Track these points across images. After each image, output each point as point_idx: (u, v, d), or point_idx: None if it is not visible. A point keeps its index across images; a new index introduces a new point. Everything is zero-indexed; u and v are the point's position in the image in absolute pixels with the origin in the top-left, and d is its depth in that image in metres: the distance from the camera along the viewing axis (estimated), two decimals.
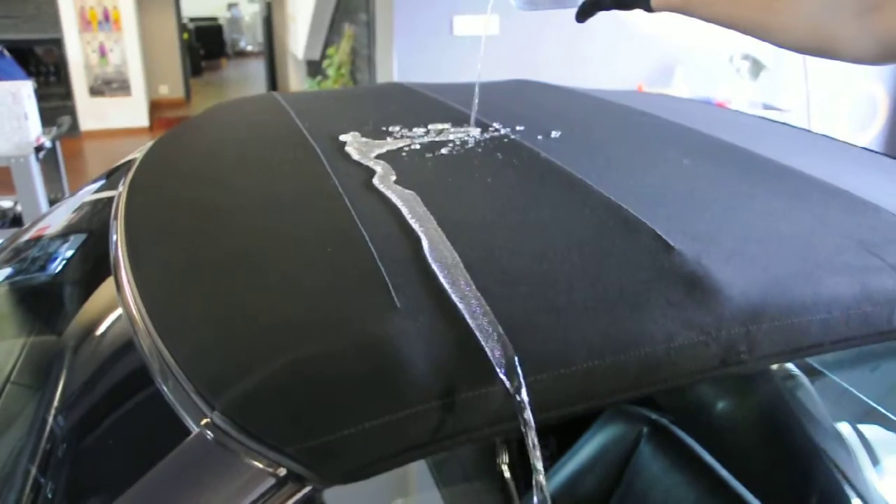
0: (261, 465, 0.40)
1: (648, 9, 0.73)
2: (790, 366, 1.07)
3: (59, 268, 0.84)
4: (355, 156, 0.76)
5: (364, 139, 0.82)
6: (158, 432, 0.49)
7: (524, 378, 0.41)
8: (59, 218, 1.00)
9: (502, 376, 0.41)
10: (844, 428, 0.96)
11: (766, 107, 3.43)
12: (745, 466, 0.87)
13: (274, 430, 0.41)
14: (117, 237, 0.65)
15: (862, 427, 0.95)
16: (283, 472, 0.40)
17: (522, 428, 0.41)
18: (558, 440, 1.05)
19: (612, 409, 0.96)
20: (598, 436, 0.93)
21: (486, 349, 0.42)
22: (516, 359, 0.42)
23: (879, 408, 0.99)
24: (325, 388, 0.42)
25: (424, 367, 0.42)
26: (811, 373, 1.09)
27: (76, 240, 0.91)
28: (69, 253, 0.87)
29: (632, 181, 0.71)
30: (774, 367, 1.08)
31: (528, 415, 0.40)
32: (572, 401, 0.45)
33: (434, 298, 0.47)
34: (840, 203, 0.67)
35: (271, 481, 0.40)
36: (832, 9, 0.62)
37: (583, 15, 0.78)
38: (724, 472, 0.84)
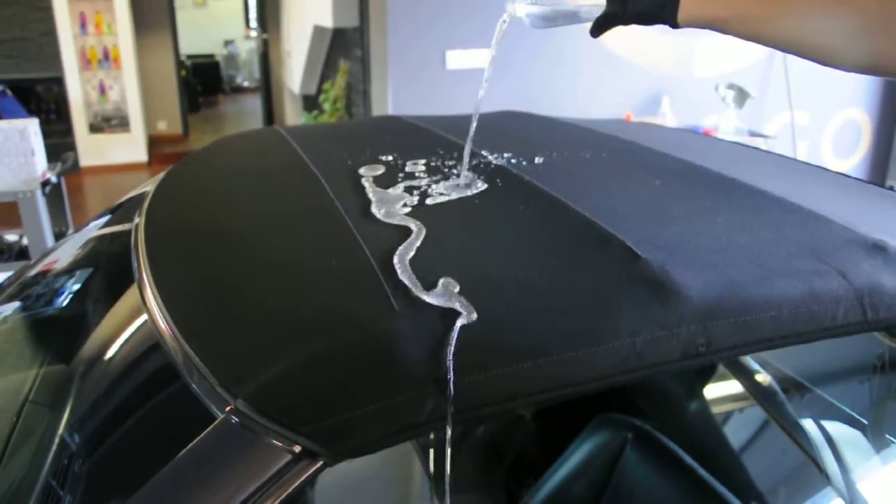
0: (279, 444, 0.47)
1: (674, 24, 0.68)
2: (765, 379, 1.14)
3: (75, 298, 0.90)
4: (367, 186, 0.85)
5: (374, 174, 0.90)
6: (185, 424, 0.55)
7: (501, 368, 0.48)
8: (69, 251, 1.06)
9: (481, 362, 0.48)
10: (810, 425, 1.02)
11: (752, 134, 3.54)
12: (721, 466, 0.93)
13: (290, 412, 0.47)
14: (140, 261, 0.72)
15: (827, 424, 1.01)
16: (298, 449, 0.47)
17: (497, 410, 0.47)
18: (549, 448, 1.10)
19: (599, 417, 1.01)
20: (586, 443, 0.99)
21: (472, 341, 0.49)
22: (496, 352, 0.48)
23: (844, 407, 1.05)
24: (334, 377, 0.49)
25: (419, 358, 0.49)
26: (798, 388, 1.16)
27: (90, 272, 0.98)
28: (82, 284, 0.94)
29: (607, 200, 0.78)
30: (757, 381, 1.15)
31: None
32: (552, 387, 0.51)
33: (425, 302, 0.54)
34: (796, 217, 0.74)
35: (288, 457, 0.47)
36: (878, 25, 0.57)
37: (598, 30, 0.74)
38: (703, 473, 0.90)
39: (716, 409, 1.28)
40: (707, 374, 1.22)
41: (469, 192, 0.79)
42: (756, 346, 0.60)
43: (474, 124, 0.82)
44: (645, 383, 1.25)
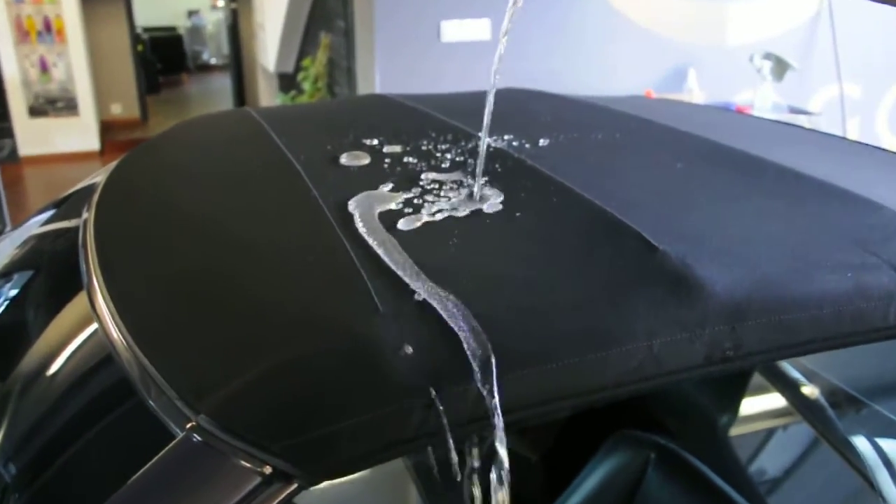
0: (247, 465, 0.47)
1: None
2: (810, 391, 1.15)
3: (11, 306, 0.91)
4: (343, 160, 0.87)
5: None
6: (140, 446, 0.56)
7: (498, 375, 0.49)
8: (5, 252, 1.06)
9: (476, 370, 0.49)
10: (864, 443, 1.03)
11: (794, 110, 3.54)
12: (759, 490, 0.93)
13: (259, 428, 0.48)
14: (89, 262, 0.73)
15: (883, 442, 1.02)
16: (269, 470, 0.47)
17: (494, 422, 0.48)
18: (563, 468, 1.11)
19: (617, 435, 1.02)
20: (603, 463, 0.99)
21: (465, 347, 0.50)
22: (492, 357, 0.49)
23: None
24: (309, 387, 0.50)
25: (405, 365, 0.50)
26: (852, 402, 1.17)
27: (29, 275, 0.98)
28: (20, 289, 0.94)
29: (620, 186, 0.79)
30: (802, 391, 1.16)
31: (498, 413, 0.47)
32: (555, 397, 0.52)
33: (413, 301, 0.55)
34: (841, 203, 0.75)
35: (258, 479, 0.47)
36: None
37: None
38: (737, 497, 0.90)
39: (753, 426, 1.29)
40: (741, 385, 1.23)
41: (480, 206, 0.72)
42: (793, 349, 0.61)
43: (488, 119, 0.75)
44: (668, 395, 1.26)
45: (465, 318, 0.52)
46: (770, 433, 1.35)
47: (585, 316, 0.56)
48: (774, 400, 1.29)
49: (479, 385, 0.48)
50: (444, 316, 0.53)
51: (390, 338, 0.52)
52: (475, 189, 0.76)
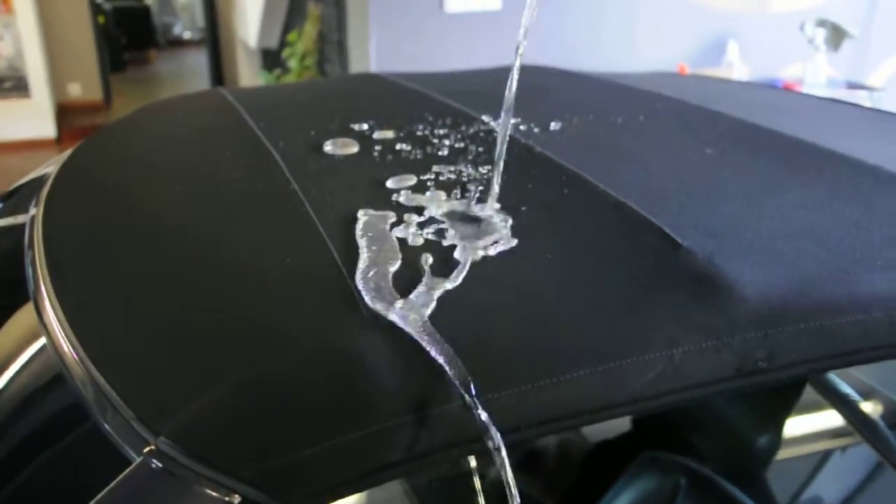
0: (213, 493, 0.48)
1: None
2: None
3: None
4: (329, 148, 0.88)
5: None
6: (94, 473, 0.57)
7: (479, 392, 0.49)
8: None
9: (459, 387, 0.49)
10: None
11: (852, 85, 3.52)
12: None
13: (227, 452, 0.49)
14: (37, 265, 0.74)
15: None
16: (237, 499, 0.48)
17: (490, 445, 0.48)
18: (582, 494, 1.12)
19: (643, 457, 1.03)
20: (628, 489, 1.00)
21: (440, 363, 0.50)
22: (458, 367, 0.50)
23: None
24: (283, 405, 0.50)
25: (392, 379, 0.50)
26: None
27: None
28: None
29: (640, 175, 0.80)
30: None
31: (494, 433, 0.48)
32: (566, 414, 0.53)
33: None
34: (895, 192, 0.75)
35: None
36: None
37: None
38: None
39: (801, 449, 1.28)
40: (785, 401, 1.23)
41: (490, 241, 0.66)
42: (837, 360, 0.61)
43: (508, 117, 0.72)
44: (698, 413, 1.26)
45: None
46: (826, 456, 1.35)
47: (595, 322, 0.56)
48: (831, 418, 1.29)
49: (469, 401, 0.49)
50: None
51: (375, 347, 0.52)
52: (490, 208, 0.72)
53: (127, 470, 0.50)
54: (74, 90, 7.04)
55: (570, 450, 1.23)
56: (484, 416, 0.48)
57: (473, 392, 0.49)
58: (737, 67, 3.48)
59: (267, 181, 0.81)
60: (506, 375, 0.52)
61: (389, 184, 0.78)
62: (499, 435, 0.48)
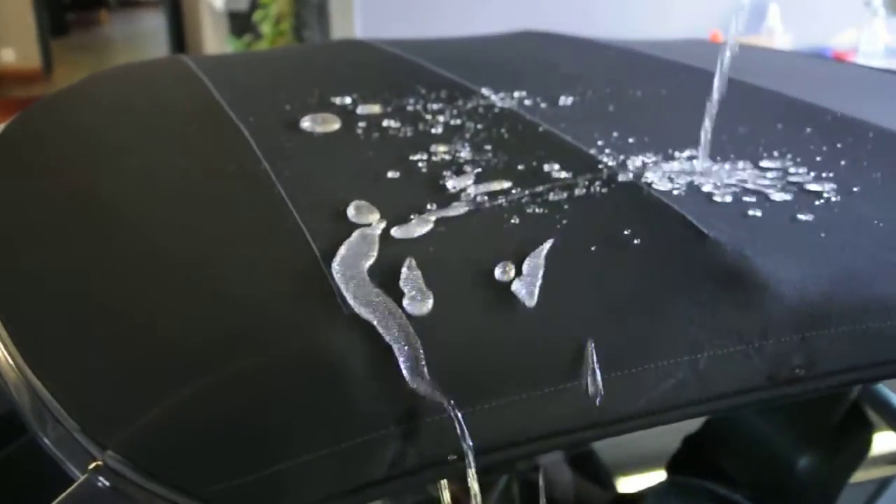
0: None
1: None
2: None
3: None
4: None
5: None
6: (33, 489, 0.57)
7: (468, 402, 0.50)
8: None
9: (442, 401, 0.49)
10: None
11: None
12: None
13: (184, 468, 0.49)
14: None
15: None
16: None
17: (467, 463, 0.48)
18: None
19: (665, 482, 1.03)
20: None
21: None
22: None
23: None
24: (249, 415, 0.51)
25: (376, 384, 0.51)
26: None
27: None
28: None
29: (662, 156, 0.80)
30: None
31: (469, 447, 0.48)
32: (567, 429, 0.53)
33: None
34: None
35: None
36: None
37: None
38: None
39: (855, 475, 1.28)
40: (830, 414, 1.22)
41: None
42: (887, 368, 0.61)
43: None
44: (727, 429, 1.26)
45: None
46: (883, 485, 1.34)
47: (605, 322, 0.57)
48: (888, 440, 1.29)
49: (453, 415, 0.49)
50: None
51: (358, 347, 0.52)
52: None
53: (69, 489, 0.50)
54: (7, 56, 6.89)
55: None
56: (464, 428, 0.48)
57: (450, 404, 0.49)
58: (778, 35, 3.47)
59: (235, 162, 0.81)
60: (497, 384, 0.52)
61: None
62: (471, 453, 0.48)
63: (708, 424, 1.27)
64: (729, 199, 0.71)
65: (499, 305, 0.57)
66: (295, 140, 0.87)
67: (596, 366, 0.53)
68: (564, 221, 0.67)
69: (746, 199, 0.71)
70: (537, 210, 0.69)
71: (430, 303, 0.55)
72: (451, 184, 0.75)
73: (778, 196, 0.72)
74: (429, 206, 0.70)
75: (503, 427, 0.52)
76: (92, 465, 0.50)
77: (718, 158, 0.80)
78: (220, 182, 0.79)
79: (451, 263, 0.62)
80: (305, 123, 0.91)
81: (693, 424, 1.29)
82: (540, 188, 0.73)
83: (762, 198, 0.72)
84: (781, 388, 0.58)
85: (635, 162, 0.78)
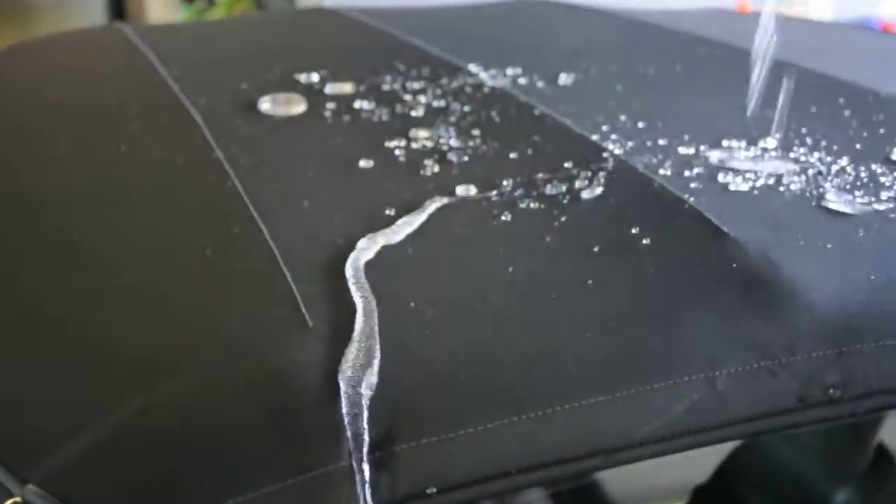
0: None
1: None
2: None
3: None
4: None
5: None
6: None
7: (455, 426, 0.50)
8: None
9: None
10: None
11: None
12: None
13: (112, 502, 0.48)
14: None
15: None
16: None
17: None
18: None
19: None
20: None
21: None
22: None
23: None
24: (195, 442, 0.50)
25: (340, 405, 0.49)
26: None
27: None
28: None
29: (676, 143, 0.80)
30: None
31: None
32: (556, 458, 0.52)
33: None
34: None
35: None
36: None
37: None
38: None
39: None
40: (868, 444, 1.22)
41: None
42: None
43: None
44: (753, 458, 1.26)
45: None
46: None
47: (608, 334, 0.56)
48: None
49: (437, 441, 0.49)
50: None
51: (324, 366, 0.52)
52: None
53: None
54: None
55: None
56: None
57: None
58: (816, 4, 3.48)
59: (182, 149, 0.81)
60: (475, 407, 0.52)
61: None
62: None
63: (732, 455, 1.27)
64: (754, 192, 0.71)
65: (483, 316, 0.57)
66: (253, 125, 0.87)
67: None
68: (563, 219, 0.67)
69: (773, 192, 0.71)
70: (532, 205, 0.69)
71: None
72: (433, 175, 0.75)
73: (809, 189, 0.72)
74: (407, 201, 0.70)
75: (483, 456, 0.51)
76: (10, 502, 0.50)
77: (741, 146, 0.80)
78: (165, 175, 0.78)
79: (432, 268, 0.62)
80: (265, 105, 0.90)
81: (717, 453, 1.29)
82: (535, 180, 0.73)
83: (791, 192, 0.72)
84: (813, 410, 0.57)
85: (646, 150, 0.78)
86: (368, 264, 0.61)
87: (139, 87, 0.98)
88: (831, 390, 0.57)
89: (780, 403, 0.57)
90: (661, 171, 0.73)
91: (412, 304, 0.57)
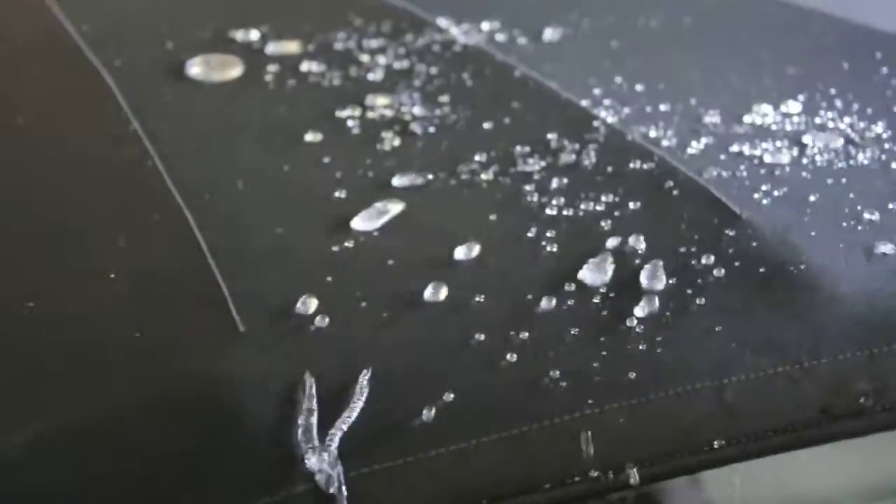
0: None
1: None
2: None
3: None
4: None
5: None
6: None
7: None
8: None
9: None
10: None
11: None
12: None
13: None
14: None
15: None
16: None
17: None
18: None
19: None
20: None
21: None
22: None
23: None
24: (105, 470, 0.50)
25: (283, 427, 0.50)
26: None
27: None
28: None
29: (680, 109, 0.80)
30: None
31: None
32: (531, 485, 0.52)
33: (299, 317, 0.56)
34: None
35: None
36: None
37: None
38: None
39: None
40: None
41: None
42: None
43: None
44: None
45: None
46: None
47: (599, 343, 0.56)
48: None
49: (386, 468, 0.49)
50: None
51: (259, 378, 0.52)
52: None
53: None
54: None
55: None
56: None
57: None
58: None
59: (92, 121, 0.80)
60: (466, 423, 0.51)
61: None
62: None
63: None
64: (772, 166, 0.71)
65: (430, 325, 0.58)
66: (179, 91, 0.86)
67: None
68: (544, 199, 0.67)
69: (795, 165, 0.71)
70: (507, 182, 0.69)
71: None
72: (393, 150, 0.75)
73: (837, 161, 0.72)
74: (360, 179, 0.70)
75: (446, 481, 0.51)
76: None
77: (758, 110, 0.80)
78: (72, 150, 0.77)
79: (376, 273, 0.62)
80: (194, 69, 0.90)
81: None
82: (513, 155, 0.73)
83: (816, 164, 0.72)
84: (841, 423, 0.57)
85: (645, 118, 0.78)
86: None
87: (42, 46, 0.97)
88: (862, 399, 0.57)
89: (800, 416, 0.56)
90: (664, 143, 0.73)
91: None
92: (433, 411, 0.51)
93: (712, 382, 0.55)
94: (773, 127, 0.78)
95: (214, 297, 0.57)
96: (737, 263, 0.61)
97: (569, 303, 0.59)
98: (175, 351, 0.55)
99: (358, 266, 0.62)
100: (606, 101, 0.80)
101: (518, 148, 0.73)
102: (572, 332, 0.56)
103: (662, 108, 0.80)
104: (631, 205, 0.66)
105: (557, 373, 0.53)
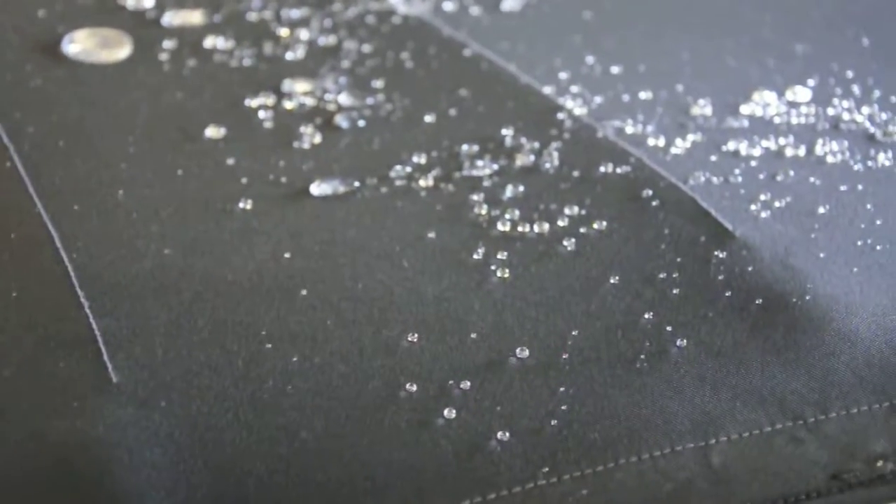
0: None
1: None
2: None
3: None
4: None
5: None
6: None
7: None
8: None
9: None
10: None
11: None
12: None
13: None
14: None
15: None
16: None
17: None
18: None
19: None
20: None
21: None
22: None
23: None
24: None
25: (167, 491, 0.49)
26: None
27: None
28: None
29: (664, 98, 0.80)
30: None
31: None
32: None
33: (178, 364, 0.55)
34: None
35: None
36: None
37: None
38: None
39: None
40: None
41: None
42: None
43: None
44: None
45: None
46: None
47: (551, 383, 0.56)
48: None
49: None
50: None
51: (136, 438, 0.51)
52: None
53: None
54: None
55: None
56: None
57: None
58: None
59: None
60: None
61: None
62: None
63: None
64: (773, 170, 0.71)
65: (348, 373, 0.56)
66: (51, 74, 0.85)
67: None
68: (495, 212, 0.67)
69: (802, 168, 0.72)
70: (450, 189, 0.69)
71: None
72: (312, 148, 0.75)
73: (853, 163, 0.72)
74: (271, 186, 0.70)
75: None
76: None
77: (759, 99, 0.80)
78: None
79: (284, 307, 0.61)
80: (72, 46, 0.89)
81: None
82: (460, 155, 0.73)
83: (827, 166, 0.72)
84: (854, 491, 0.57)
85: (620, 108, 0.78)
86: None
87: None
88: (879, 462, 0.57)
89: (805, 483, 0.56)
90: (643, 141, 0.74)
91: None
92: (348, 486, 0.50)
93: (696, 443, 0.54)
94: (777, 119, 0.78)
95: (82, 338, 0.57)
96: (728, 294, 0.61)
97: None
98: (31, 406, 0.54)
99: (263, 296, 0.61)
100: (574, 88, 0.80)
101: (465, 147, 0.73)
102: (524, 382, 0.56)
103: (642, 96, 0.80)
104: (600, 220, 0.66)
105: (507, 434, 0.52)
